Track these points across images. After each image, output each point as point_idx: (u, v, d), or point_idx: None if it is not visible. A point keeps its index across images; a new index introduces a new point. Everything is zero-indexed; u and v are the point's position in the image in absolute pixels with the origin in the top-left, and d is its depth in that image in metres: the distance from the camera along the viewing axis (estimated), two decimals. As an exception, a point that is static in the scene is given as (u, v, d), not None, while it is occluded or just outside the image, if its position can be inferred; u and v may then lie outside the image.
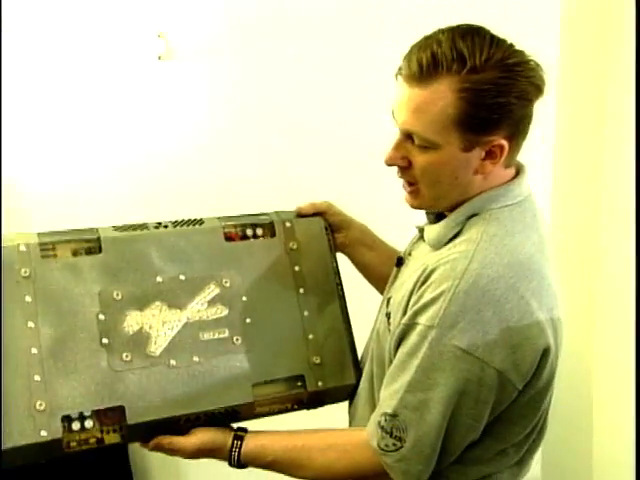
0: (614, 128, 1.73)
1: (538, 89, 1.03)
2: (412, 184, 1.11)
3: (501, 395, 1.05)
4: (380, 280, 1.35)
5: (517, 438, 1.12)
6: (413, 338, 1.06)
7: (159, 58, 2.00)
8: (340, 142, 1.93)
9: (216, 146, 2.03)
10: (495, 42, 1.01)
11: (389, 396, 1.08)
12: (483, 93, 0.99)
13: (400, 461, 1.07)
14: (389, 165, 1.10)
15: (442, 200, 1.11)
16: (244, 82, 2.00)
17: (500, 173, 1.10)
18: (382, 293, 1.36)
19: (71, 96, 2.04)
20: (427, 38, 1.03)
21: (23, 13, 2.03)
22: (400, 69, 1.05)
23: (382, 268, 1.35)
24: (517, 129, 1.05)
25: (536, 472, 1.87)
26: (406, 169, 1.09)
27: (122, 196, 2.00)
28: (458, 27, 1.03)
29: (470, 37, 1.00)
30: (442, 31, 1.02)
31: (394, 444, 1.07)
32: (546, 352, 1.05)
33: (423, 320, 1.04)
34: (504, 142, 1.04)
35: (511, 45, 1.03)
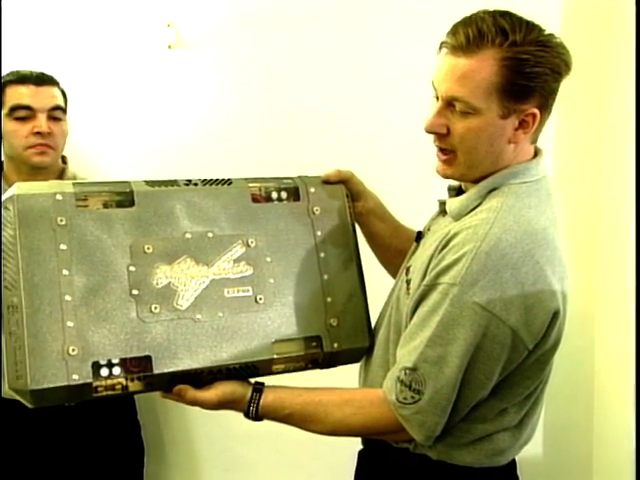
0: (614, 121, 1.80)
1: (566, 65, 1.13)
2: (447, 152, 1.17)
3: (513, 354, 1.11)
4: (385, 250, 1.43)
5: (518, 399, 1.18)
6: (434, 297, 1.11)
7: (169, 47, 2.04)
8: (346, 129, 1.95)
9: (224, 133, 2.05)
10: (530, 23, 1.11)
11: (408, 352, 1.14)
12: (523, 62, 1.08)
13: (418, 413, 1.12)
14: (429, 132, 1.16)
15: (474, 169, 1.17)
16: (252, 70, 2.01)
17: (525, 148, 1.18)
18: (383, 262, 1.45)
19: (84, 84, 2.08)
20: (469, 16, 1.11)
21: (39, 5, 2.08)
22: (444, 42, 1.12)
23: (390, 240, 1.42)
24: (547, 101, 1.14)
25: (538, 451, 1.92)
26: (444, 136, 1.15)
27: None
28: (495, 10, 1.11)
29: (509, 16, 1.10)
30: (482, 11, 1.11)
31: (412, 397, 1.12)
32: (556, 315, 1.12)
33: (446, 279, 1.10)
34: (536, 111, 1.12)
35: (542, 28, 1.12)
